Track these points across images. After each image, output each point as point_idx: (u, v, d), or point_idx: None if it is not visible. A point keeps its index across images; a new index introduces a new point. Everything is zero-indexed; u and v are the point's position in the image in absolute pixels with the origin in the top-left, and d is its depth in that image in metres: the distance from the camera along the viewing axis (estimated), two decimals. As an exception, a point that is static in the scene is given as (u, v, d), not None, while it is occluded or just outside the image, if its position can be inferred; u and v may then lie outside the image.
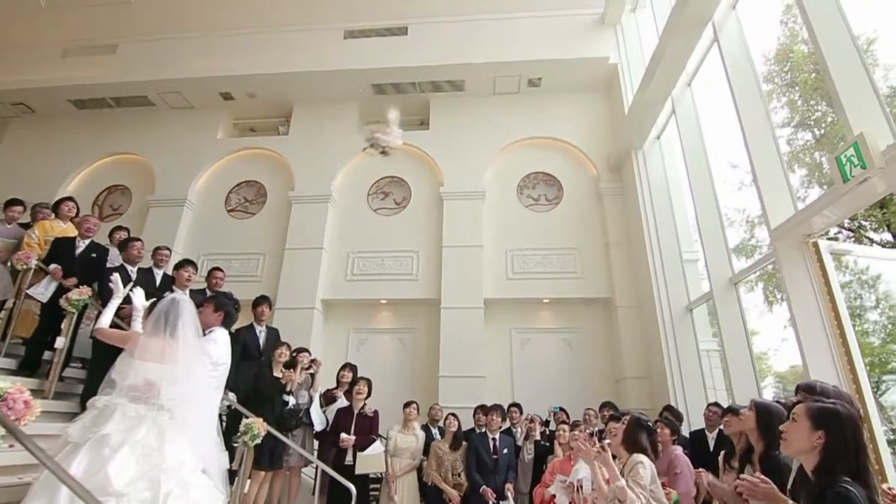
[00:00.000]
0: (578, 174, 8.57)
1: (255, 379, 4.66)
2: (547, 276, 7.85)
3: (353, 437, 4.65)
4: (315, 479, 4.55)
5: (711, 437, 4.75)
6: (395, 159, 8.94)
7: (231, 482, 4.17)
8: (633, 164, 7.59)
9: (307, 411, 4.82)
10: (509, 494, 4.63)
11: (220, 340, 3.21)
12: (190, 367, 2.32)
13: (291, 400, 4.70)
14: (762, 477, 2.08)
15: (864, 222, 7.14)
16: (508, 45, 8.54)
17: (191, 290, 5.10)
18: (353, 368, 5.63)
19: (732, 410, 3.20)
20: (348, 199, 8.77)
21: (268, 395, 4.56)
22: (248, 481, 4.14)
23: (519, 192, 8.58)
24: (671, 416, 4.85)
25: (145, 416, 2.15)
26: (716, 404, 4.85)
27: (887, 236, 6.97)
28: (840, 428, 1.79)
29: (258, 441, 3.94)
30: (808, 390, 2.32)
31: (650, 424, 3.13)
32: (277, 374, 4.69)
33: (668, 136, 7.50)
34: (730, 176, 8.70)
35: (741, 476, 2.12)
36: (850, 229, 7.03)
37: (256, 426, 3.92)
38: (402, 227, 8.43)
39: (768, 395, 4.74)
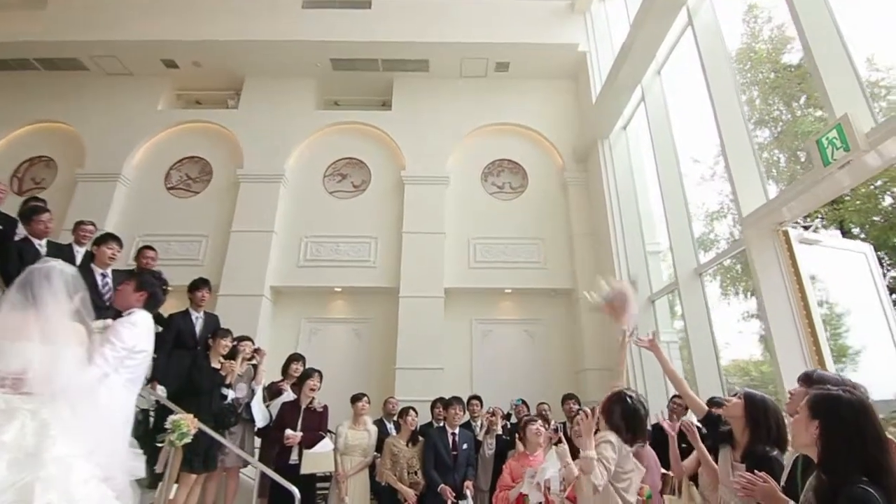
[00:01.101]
0: (544, 163, 8.39)
1: (190, 370, 4.13)
2: (510, 265, 7.63)
3: (299, 434, 4.22)
4: (255, 481, 4.09)
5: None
6: (355, 141, 8.51)
7: (155, 487, 3.69)
8: (599, 155, 7.47)
9: (248, 406, 4.35)
10: (468, 493, 4.34)
11: (140, 324, 2.73)
12: (64, 349, 1.84)
13: (230, 393, 4.22)
14: (762, 474, 1.87)
15: (811, 221, 7.35)
16: (476, 26, 8.21)
17: (115, 271, 4.50)
18: (304, 360, 5.19)
19: (716, 403, 3.02)
20: (302, 180, 8.21)
21: (204, 389, 4.06)
22: (175, 486, 3.65)
23: (483, 180, 8.30)
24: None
25: (18, 410, 1.68)
26: (679, 396, 4.75)
27: (837, 234, 7.21)
28: (837, 416, 1.57)
29: (187, 440, 3.45)
30: (805, 380, 2.13)
31: (630, 401, 2.80)
32: (215, 364, 4.19)
33: (635, 127, 7.43)
34: (690, 171, 8.76)
35: (739, 473, 1.90)
36: (804, 227, 7.19)
37: (185, 423, 3.43)
38: (360, 212, 7.97)
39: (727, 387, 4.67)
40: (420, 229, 7.62)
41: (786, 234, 3.98)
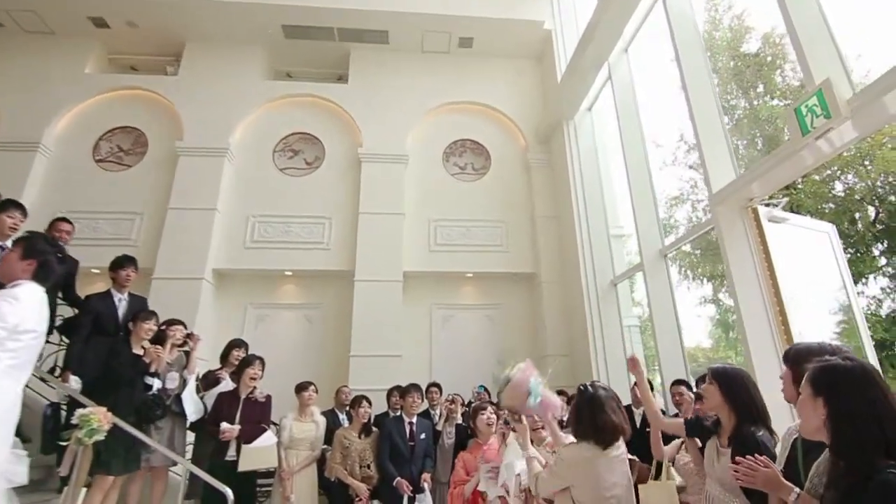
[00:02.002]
0: (507, 144, 8.13)
1: (108, 357, 3.60)
2: (471, 249, 7.35)
3: (236, 428, 3.77)
4: (182, 480, 3.61)
5: (638, 414, 4.53)
6: (308, 115, 7.97)
7: (60, 491, 3.18)
8: (564, 136, 7.28)
9: (178, 397, 3.86)
10: (426, 486, 4.04)
11: (26, 299, 2.23)
12: None
13: (156, 383, 3.71)
14: (762, 459, 1.64)
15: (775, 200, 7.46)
16: (439, -2, 7.82)
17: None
18: (246, 347, 4.71)
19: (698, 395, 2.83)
20: (249, 155, 7.60)
21: (124, 378, 3.54)
22: (84, 490, 3.15)
23: (445, 160, 7.96)
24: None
25: None
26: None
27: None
28: (842, 389, 1.34)
29: (98, 437, 2.96)
30: (793, 360, 1.89)
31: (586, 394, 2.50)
32: (137, 351, 3.67)
33: (600, 108, 7.27)
34: (653, 155, 8.74)
35: (738, 459, 1.67)
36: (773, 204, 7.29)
37: (96, 418, 2.94)
38: (313, 190, 7.46)
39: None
40: (377, 210, 7.20)
41: (755, 211, 3.87)
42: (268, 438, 3.76)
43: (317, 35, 8.01)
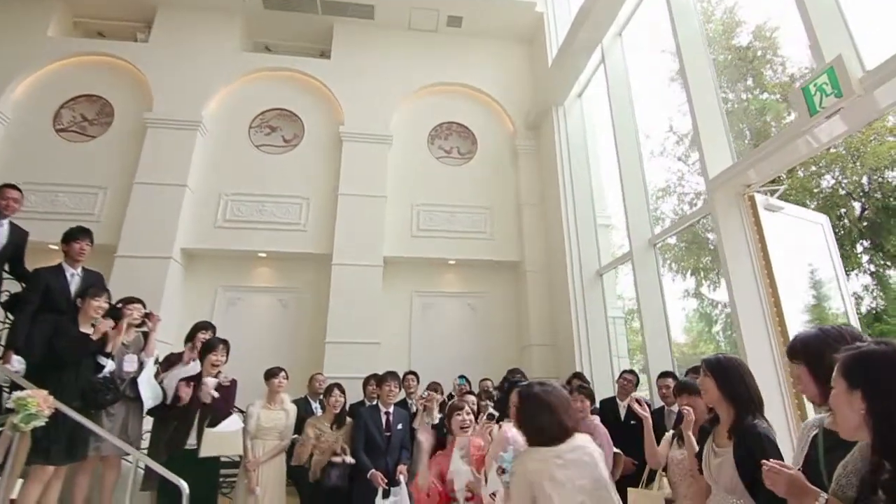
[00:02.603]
0: (495, 129, 7.89)
1: (52, 336, 3.27)
2: (455, 235, 7.12)
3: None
4: (133, 468, 3.30)
5: (622, 406, 4.40)
6: (287, 90, 7.60)
7: None
8: (553, 122, 7.07)
9: (134, 381, 3.55)
10: (402, 478, 3.82)
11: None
12: None
13: (109, 364, 3.39)
14: (784, 463, 1.46)
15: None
16: (428, -27, 7.50)
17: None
18: (214, 330, 4.40)
19: (688, 388, 2.65)
20: (224, 130, 7.20)
21: (70, 358, 3.22)
22: (21, 481, 2.84)
23: (430, 142, 7.69)
24: (581, 383, 4.41)
25: None
26: (630, 372, 4.50)
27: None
28: (882, 379, 1.15)
29: (37, 423, 2.67)
30: (802, 350, 1.66)
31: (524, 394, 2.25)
32: (86, 330, 3.34)
33: (590, 94, 7.10)
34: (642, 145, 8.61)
35: (765, 462, 1.48)
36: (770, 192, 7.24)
37: (34, 402, 2.64)
38: (291, 169, 7.11)
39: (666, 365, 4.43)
40: (358, 191, 6.90)
41: (752, 199, 3.72)
42: (232, 423, 3.49)
43: (298, 6, 7.61)
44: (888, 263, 6.74)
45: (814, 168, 6.87)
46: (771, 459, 1.47)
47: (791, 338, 3.34)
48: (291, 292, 6.88)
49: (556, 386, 2.16)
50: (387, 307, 6.72)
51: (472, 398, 3.88)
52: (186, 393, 3.54)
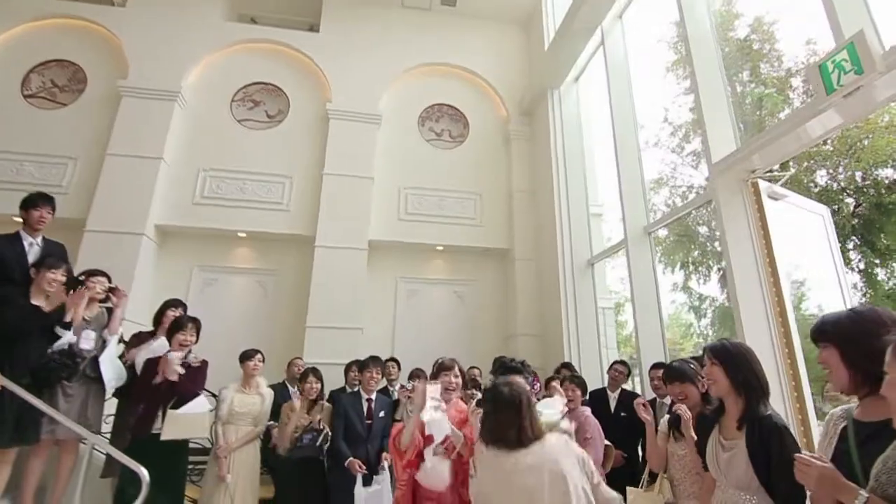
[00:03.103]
0: (487, 113, 7.67)
1: (0, 307, 2.98)
2: (443, 220, 6.90)
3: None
4: (88, 451, 3.04)
5: (613, 397, 4.29)
6: (273, 64, 7.26)
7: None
8: (548, 107, 6.87)
9: (95, 360, 3.28)
10: (386, 463, 3.64)
11: None
12: None
13: (67, 335, 3.11)
14: (816, 455, 1.30)
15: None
16: (423, -53, 7.21)
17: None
18: (185, 308, 4.13)
19: (679, 374, 2.48)
20: (205, 103, 6.85)
21: (17, 331, 2.94)
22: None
23: (420, 124, 7.44)
24: (570, 373, 4.25)
25: None
26: (622, 363, 4.38)
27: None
28: None
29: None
30: (835, 334, 1.49)
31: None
32: (39, 303, 3.07)
33: (587, 80, 6.92)
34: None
35: (798, 455, 1.31)
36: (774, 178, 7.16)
37: (-26, 378, 2.38)
38: (274, 146, 6.81)
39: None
40: (344, 172, 6.64)
41: (755, 185, 3.58)
42: (199, 405, 3.24)
43: (286, -25, 7.27)
44: (877, 261, 6.74)
45: (806, 164, 6.82)
46: (804, 452, 1.31)
47: (791, 327, 3.25)
48: (271, 274, 6.61)
49: (521, 388, 1.95)
50: (371, 292, 6.50)
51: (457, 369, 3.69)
52: (173, 375, 3.25)
